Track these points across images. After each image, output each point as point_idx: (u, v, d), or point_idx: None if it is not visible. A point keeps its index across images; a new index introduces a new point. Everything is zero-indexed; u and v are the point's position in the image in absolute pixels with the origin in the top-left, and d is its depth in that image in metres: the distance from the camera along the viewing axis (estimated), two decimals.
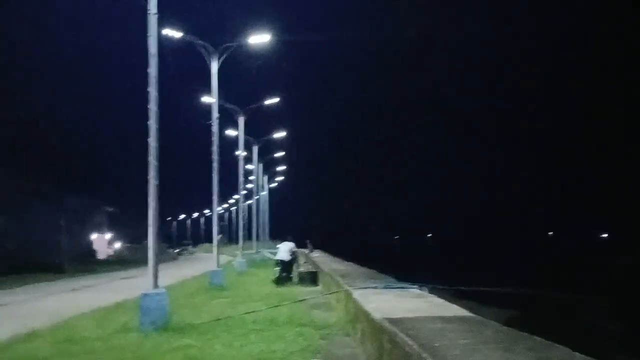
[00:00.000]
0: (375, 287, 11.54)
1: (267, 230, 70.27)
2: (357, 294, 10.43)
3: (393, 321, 6.57)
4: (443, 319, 6.76)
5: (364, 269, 19.78)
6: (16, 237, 46.76)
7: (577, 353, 4.67)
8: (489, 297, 30.63)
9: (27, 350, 9.94)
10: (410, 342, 5.27)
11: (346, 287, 12.58)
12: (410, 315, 7.09)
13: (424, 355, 4.72)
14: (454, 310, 7.70)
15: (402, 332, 5.73)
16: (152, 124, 12.98)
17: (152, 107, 13.01)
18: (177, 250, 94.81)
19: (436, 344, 5.13)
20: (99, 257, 61.90)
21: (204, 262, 44.80)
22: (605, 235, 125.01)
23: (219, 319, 12.82)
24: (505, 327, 6.15)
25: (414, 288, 11.16)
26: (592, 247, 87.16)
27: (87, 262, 50.27)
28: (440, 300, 8.87)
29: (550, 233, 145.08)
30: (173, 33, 21.55)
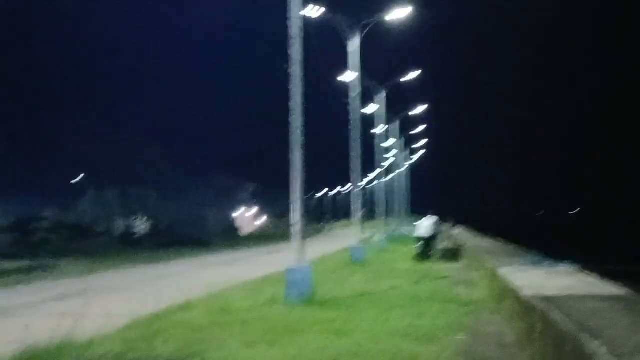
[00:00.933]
0: (522, 264, 11.24)
1: (407, 206, 70.10)
2: (503, 271, 10.20)
3: (544, 299, 6.36)
4: (598, 297, 6.47)
5: (508, 246, 19.32)
6: (169, 213, 49.48)
7: None
8: None
9: (183, 319, 10.47)
10: (565, 320, 5.08)
11: (490, 263, 12.33)
12: (562, 292, 6.84)
13: (582, 335, 4.53)
14: (610, 288, 7.34)
15: (555, 311, 5.54)
16: (295, 103, 13.20)
17: (294, 87, 13.23)
18: (318, 226, 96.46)
19: (592, 324, 4.92)
20: (244, 232, 64.22)
21: (343, 238, 45.37)
22: None
23: (363, 294, 12.96)
24: None
25: (563, 265, 10.77)
26: None
27: (233, 237, 52.26)
28: (593, 278, 8.50)
29: None
30: (313, 13, 21.67)
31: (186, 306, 12.06)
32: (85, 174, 42.86)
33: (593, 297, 6.44)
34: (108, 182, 42.58)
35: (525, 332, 7.15)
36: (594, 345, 4.19)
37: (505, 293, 9.36)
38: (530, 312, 6.67)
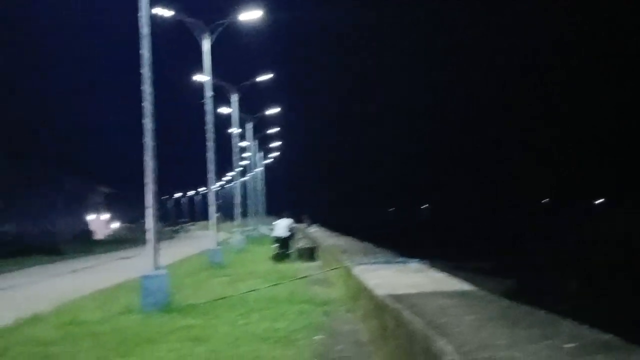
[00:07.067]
0: (375, 262, 11.56)
1: (263, 206, 70.31)
2: (357, 270, 10.44)
3: (396, 298, 6.57)
4: (446, 294, 6.76)
5: (362, 244, 19.81)
6: (15, 221, 46.76)
7: (584, 326, 4.69)
8: (490, 268, 30.82)
9: (31, 334, 9.96)
10: (415, 319, 5.27)
11: (346, 262, 12.60)
12: (412, 291, 7.08)
13: (430, 333, 4.72)
14: (456, 284, 7.70)
15: (406, 310, 5.74)
16: (147, 105, 12.91)
17: (146, 88, 12.94)
18: (175, 229, 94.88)
19: (441, 321, 5.13)
20: (97, 238, 62.00)
21: (201, 240, 44.87)
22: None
23: (221, 298, 12.87)
24: (508, 302, 6.14)
25: (414, 262, 11.18)
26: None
27: (86, 243, 50.30)
28: (441, 275, 8.88)
29: (545, 200, 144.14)
30: (164, 12, 21.34)
31: (34, 320, 11.50)
32: None
33: (441, 294, 6.72)
34: None
35: (379, 331, 7.36)
36: (441, 343, 4.38)
37: (360, 292, 9.60)
38: (383, 311, 6.87)
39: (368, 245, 18.69)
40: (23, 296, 17.62)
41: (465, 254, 39.63)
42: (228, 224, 57.69)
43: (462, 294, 6.74)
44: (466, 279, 8.26)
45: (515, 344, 4.22)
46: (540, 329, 4.68)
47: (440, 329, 4.83)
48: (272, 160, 78.83)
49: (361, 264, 11.47)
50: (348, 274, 11.79)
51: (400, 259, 11.95)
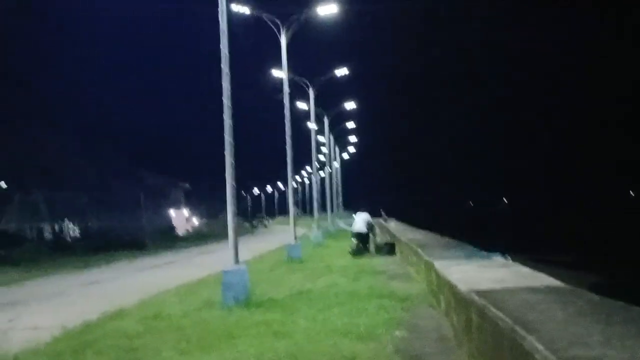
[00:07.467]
0: (457, 257, 11.34)
1: (340, 201, 70.40)
2: (438, 265, 10.26)
3: (480, 293, 6.38)
4: (532, 289, 6.53)
5: (442, 238, 19.53)
6: (99, 217, 48.33)
7: None
8: (573, 262, 29.89)
9: (117, 328, 10.21)
10: (502, 316, 5.10)
11: (426, 257, 12.41)
12: (497, 286, 6.88)
13: (518, 329, 4.55)
14: (543, 279, 7.44)
15: (491, 305, 5.56)
16: (226, 101, 13.02)
17: (225, 84, 13.05)
18: (254, 224, 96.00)
19: (529, 318, 4.94)
20: (177, 233, 63.32)
21: (279, 235, 45.27)
22: None
23: (300, 293, 12.89)
24: (599, 297, 5.88)
25: (496, 257, 10.92)
26: None
27: (167, 239, 51.43)
28: (527, 269, 8.60)
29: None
30: (241, 8, 21.55)
31: (119, 314, 11.80)
32: (8, 178, 41.29)
33: (527, 290, 6.50)
34: (33, 187, 41.27)
35: (462, 327, 7.19)
36: (531, 340, 4.20)
37: (441, 287, 9.43)
38: (467, 307, 6.70)
39: (448, 240, 18.41)
40: (108, 290, 18.12)
41: (546, 248, 38.63)
42: (306, 218, 57.95)
43: (549, 289, 6.50)
44: (550, 273, 7.98)
45: (609, 341, 4.02)
46: (636, 326, 4.44)
47: (529, 325, 4.65)
48: (349, 155, 78.88)
49: (442, 258, 11.27)
50: (428, 268, 11.62)
51: (482, 254, 11.69)
